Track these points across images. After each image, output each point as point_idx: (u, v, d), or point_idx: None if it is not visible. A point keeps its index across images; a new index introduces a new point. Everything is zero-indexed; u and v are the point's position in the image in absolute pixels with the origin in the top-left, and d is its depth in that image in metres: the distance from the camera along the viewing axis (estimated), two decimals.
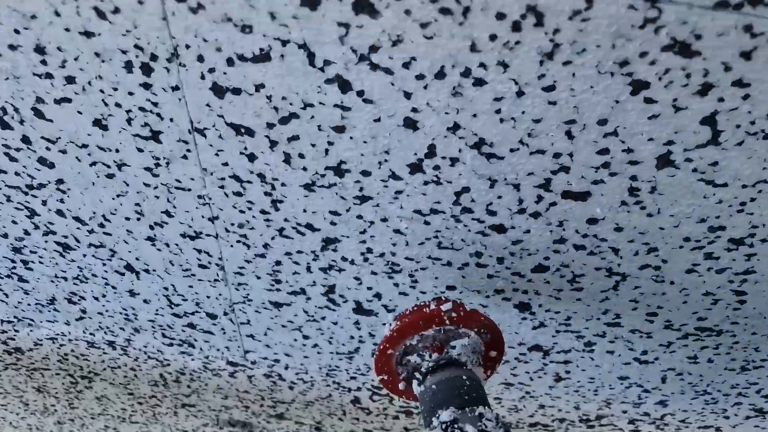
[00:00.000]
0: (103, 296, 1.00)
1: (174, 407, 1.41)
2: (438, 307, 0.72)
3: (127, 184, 0.74)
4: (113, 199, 0.77)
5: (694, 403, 1.03)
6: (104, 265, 0.92)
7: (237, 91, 0.59)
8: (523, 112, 0.57)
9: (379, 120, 0.60)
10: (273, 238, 0.79)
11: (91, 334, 1.14)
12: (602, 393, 1.05)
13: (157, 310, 1.02)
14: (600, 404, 1.09)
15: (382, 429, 1.34)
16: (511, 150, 0.61)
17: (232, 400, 1.33)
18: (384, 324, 0.93)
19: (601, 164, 0.61)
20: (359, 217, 0.73)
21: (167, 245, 0.84)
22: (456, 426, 0.58)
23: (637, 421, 1.13)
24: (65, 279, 0.97)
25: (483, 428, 0.58)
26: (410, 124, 0.59)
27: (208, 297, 0.95)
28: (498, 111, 0.57)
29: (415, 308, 0.74)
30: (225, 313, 0.99)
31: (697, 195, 0.62)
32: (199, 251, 0.84)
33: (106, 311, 1.05)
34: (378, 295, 0.87)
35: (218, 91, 0.60)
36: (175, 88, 0.60)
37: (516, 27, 0.50)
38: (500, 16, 0.49)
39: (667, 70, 0.51)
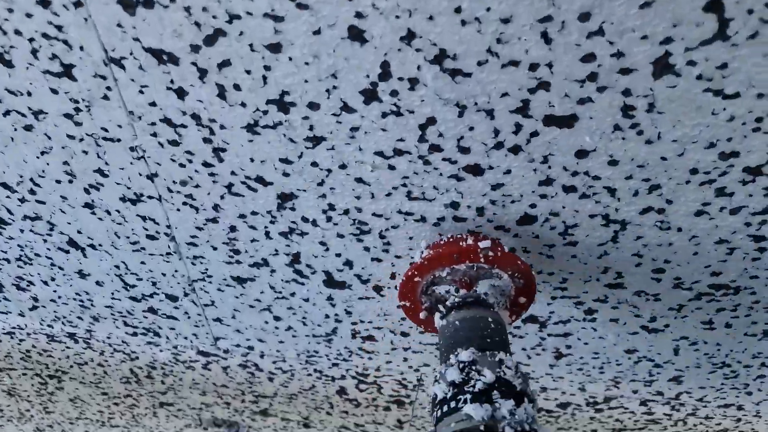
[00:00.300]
0: (52, 279, 0.91)
1: (152, 407, 1.32)
2: (476, 243, 0.65)
3: (50, 138, 0.65)
4: (38, 157, 0.68)
5: (712, 378, 0.93)
6: (45, 241, 0.82)
7: (149, 3, 0.50)
8: (488, 9, 0.47)
9: (319, 32, 0.50)
10: (222, 197, 0.69)
11: (48, 325, 1.05)
12: (609, 371, 0.94)
13: (112, 294, 0.92)
14: (607, 384, 0.99)
15: (374, 422, 1.24)
16: (479, 63, 0.51)
17: (212, 397, 1.23)
18: (362, 298, 0.83)
19: (586, 76, 0.51)
20: (314, 164, 0.63)
21: (108, 212, 0.75)
22: (474, 368, 0.55)
23: (650, 401, 1.03)
24: (8, 261, 0.88)
25: (501, 375, 0.54)
26: (356, 35, 0.50)
27: (164, 275, 0.86)
28: (458, 10, 0.47)
29: (451, 239, 0.67)
30: (186, 294, 0.89)
31: (703, 111, 0.52)
32: (144, 218, 0.75)
33: (59, 297, 0.96)
34: (348, 263, 0.78)
35: (128, 5, 0.50)
36: (78, 4, 0.51)
37: None
38: None
39: None
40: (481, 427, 0.50)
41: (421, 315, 0.71)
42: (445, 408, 0.53)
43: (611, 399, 1.03)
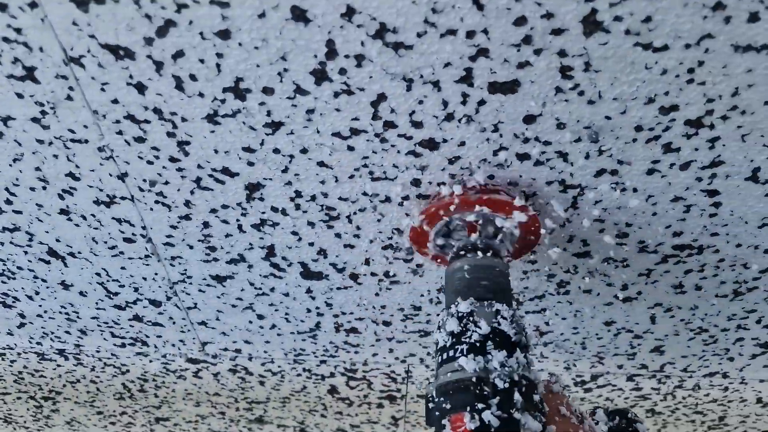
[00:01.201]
0: (37, 293, 0.93)
1: (149, 423, 1.33)
2: (512, 201, 0.66)
3: (20, 144, 0.67)
4: (10, 165, 0.70)
5: (692, 345, 0.94)
6: (26, 253, 0.84)
7: None
8: None
9: (264, 15, 0.52)
10: (192, 192, 0.71)
11: (37, 342, 1.06)
12: (591, 346, 0.96)
13: (97, 304, 0.94)
14: (592, 360, 1.00)
15: (369, 422, 1.25)
16: (418, 35, 0.53)
17: (206, 407, 1.24)
18: (340, 287, 0.85)
19: (521, 39, 0.53)
20: (276, 151, 0.65)
21: (84, 218, 0.77)
22: (471, 319, 0.58)
23: (636, 376, 1.04)
24: None
25: (496, 326, 0.57)
26: (299, 15, 0.52)
27: (145, 279, 0.87)
28: None
29: (488, 188, 0.67)
30: (168, 298, 0.91)
31: (637, 66, 0.55)
32: (119, 221, 0.77)
33: (45, 312, 0.97)
34: (323, 252, 0.79)
35: (80, 2, 0.53)
36: (33, 5, 0.53)
37: None
38: None
39: None
40: (473, 378, 0.53)
41: (429, 247, 0.72)
42: (445, 356, 0.57)
43: (598, 376, 1.05)
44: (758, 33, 0.52)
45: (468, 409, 0.51)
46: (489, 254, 0.66)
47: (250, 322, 0.95)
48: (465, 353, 0.55)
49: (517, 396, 0.51)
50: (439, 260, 0.75)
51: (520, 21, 0.52)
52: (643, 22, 0.51)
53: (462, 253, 0.66)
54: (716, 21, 0.51)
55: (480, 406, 0.51)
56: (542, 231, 0.70)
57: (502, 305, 0.60)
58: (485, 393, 0.52)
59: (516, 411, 0.51)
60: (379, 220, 0.73)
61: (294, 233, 0.76)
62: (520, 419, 0.51)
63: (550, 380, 0.60)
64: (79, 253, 0.83)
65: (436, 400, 0.54)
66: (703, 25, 0.51)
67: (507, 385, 0.52)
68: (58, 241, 0.81)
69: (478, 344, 0.56)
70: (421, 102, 0.59)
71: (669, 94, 0.57)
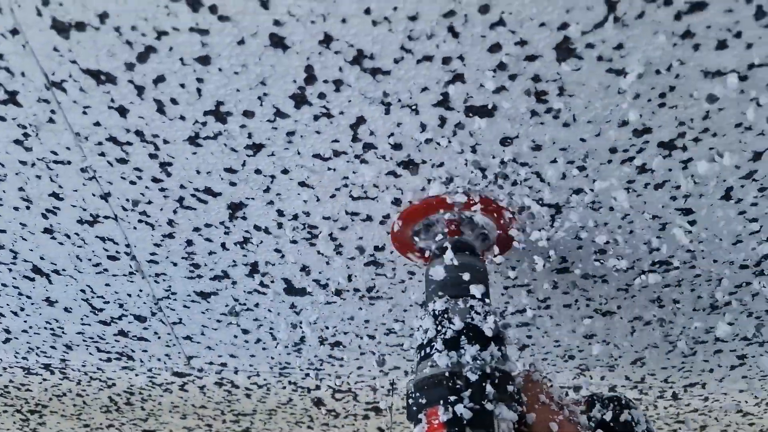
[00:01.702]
0: (22, 310, 0.93)
1: None
2: (499, 206, 0.68)
3: (3, 165, 0.67)
4: None
5: (672, 357, 0.95)
6: (10, 270, 0.84)
7: (81, 26, 0.53)
8: (395, 9, 0.50)
9: (243, 42, 0.53)
10: (175, 212, 0.72)
11: (23, 357, 1.06)
12: (573, 358, 0.97)
13: (82, 319, 0.94)
14: (574, 372, 1.01)
15: None
16: (395, 60, 0.54)
17: (192, 420, 1.24)
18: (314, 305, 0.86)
19: (496, 65, 0.54)
20: (258, 171, 0.66)
21: (68, 236, 0.77)
22: (446, 316, 0.60)
23: (618, 387, 1.05)
24: None
25: (470, 321, 0.59)
26: (278, 42, 0.53)
27: (130, 295, 0.88)
28: (368, 11, 0.50)
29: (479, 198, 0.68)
30: (153, 313, 0.91)
31: (610, 91, 0.56)
32: (103, 239, 0.77)
33: (30, 328, 0.97)
34: (305, 269, 0.80)
35: (61, 29, 0.53)
36: (15, 32, 0.54)
37: None
38: None
39: None
40: (446, 373, 0.55)
41: (413, 243, 0.74)
42: (422, 353, 0.59)
43: (580, 388, 1.06)
44: (727, 60, 0.53)
45: (441, 402, 0.53)
46: (466, 253, 0.67)
47: (235, 336, 0.96)
48: (439, 349, 0.57)
49: (489, 388, 0.53)
50: (420, 259, 0.76)
51: (495, 48, 0.53)
52: (614, 49, 0.52)
53: (438, 252, 0.68)
54: (685, 48, 0.52)
55: (453, 399, 0.52)
56: (518, 237, 0.71)
57: (476, 301, 0.61)
58: (458, 386, 0.53)
59: (489, 402, 0.52)
60: (361, 238, 0.74)
61: (277, 251, 0.77)
62: (494, 410, 0.52)
63: (530, 370, 0.61)
64: (64, 270, 0.83)
65: (414, 395, 0.56)
66: (673, 51, 0.52)
67: (478, 377, 0.53)
68: (42, 258, 0.81)
69: (452, 340, 0.58)
70: (399, 125, 0.60)
71: (642, 117, 0.58)
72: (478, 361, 0.55)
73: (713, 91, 0.55)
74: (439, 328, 0.59)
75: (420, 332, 0.61)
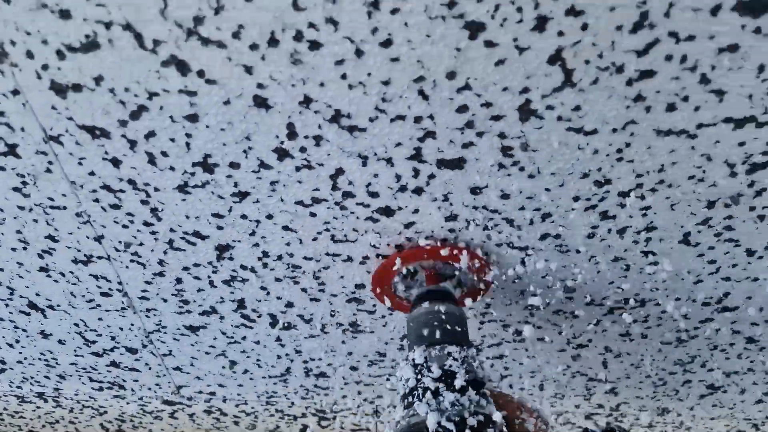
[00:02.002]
0: (17, 342, 0.96)
1: None
2: (474, 252, 0.72)
3: (1, 210, 0.71)
4: None
5: (644, 387, 0.99)
6: (7, 306, 0.88)
7: (78, 88, 0.57)
8: (369, 74, 0.54)
9: (228, 102, 0.57)
10: (165, 253, 0.76)
11: (18, 386, 1.09)
12: (548, 388, 1.01)
13: (75, 351, 0.97)
14: (551, 401, 1.05)
15: None
16: (371, 119, 0.58)
17: None
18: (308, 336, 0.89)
19: (464, 124, 0.58)
20: (244, 217, 0.70)
21: (62, 274, 0.81)
22: (425, 365, 0.62)
23: (594, 414, 1.09)
24: None
25: (448, 368, 0.61)
26: (261, 102, 0.57)
27: (121, 329, 0.91)
28: (344, 76, 0.55)
29: (448, 246, 0.72)
30: (144, 345, 0.95)
31: (571, 147, 0.60)
32: (96, 277, 0.81)
33: (25, 359, 1.01)
34: (290, 305, 0.84)
35: (59, 90, 0.57)
36: (16, 92, 0.58)
37: None
38: None
39: (497, 6, 0.49)
40: (426, 422, 0.57)
41: (391, 295, 0.78)
42: (405, 402, 0.61)
43: (559, 415, 1.09)
44: (676, 120, 0.57)
45: None
46: (444, 300, 0.70)
47: (224, 367, 0.99)
48: (420, 398, 0.60)
49: None
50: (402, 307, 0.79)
51: (463, 108, 0.57)
52: (573, 110, 0.57)
53: (418, 300, 0.71)
54: (638, 110, 0.57)
55: None
56: (493, 280, 0.75)
57: (454, 347, 0.64)
58: None
59: None
60: (342, 277, 0.78)
61: (263, 288, 0.81)
62: None
63: (536, 420, 0.63)
64: (58, 305, 0.87)
65: None
66: (626, 113, 0.57)
67: (457, 424, 0.56)
68: (38, 295, 0.85)
69: (431, 388, 0.60)
70: (376, 176, 0.64)
71: (602, 170, 0.63)
72: (455, 407, 0.58)
73: (666, 147, 0.60)
74: (419, 377, 0.61)
75: (402, 382, 0.63)
